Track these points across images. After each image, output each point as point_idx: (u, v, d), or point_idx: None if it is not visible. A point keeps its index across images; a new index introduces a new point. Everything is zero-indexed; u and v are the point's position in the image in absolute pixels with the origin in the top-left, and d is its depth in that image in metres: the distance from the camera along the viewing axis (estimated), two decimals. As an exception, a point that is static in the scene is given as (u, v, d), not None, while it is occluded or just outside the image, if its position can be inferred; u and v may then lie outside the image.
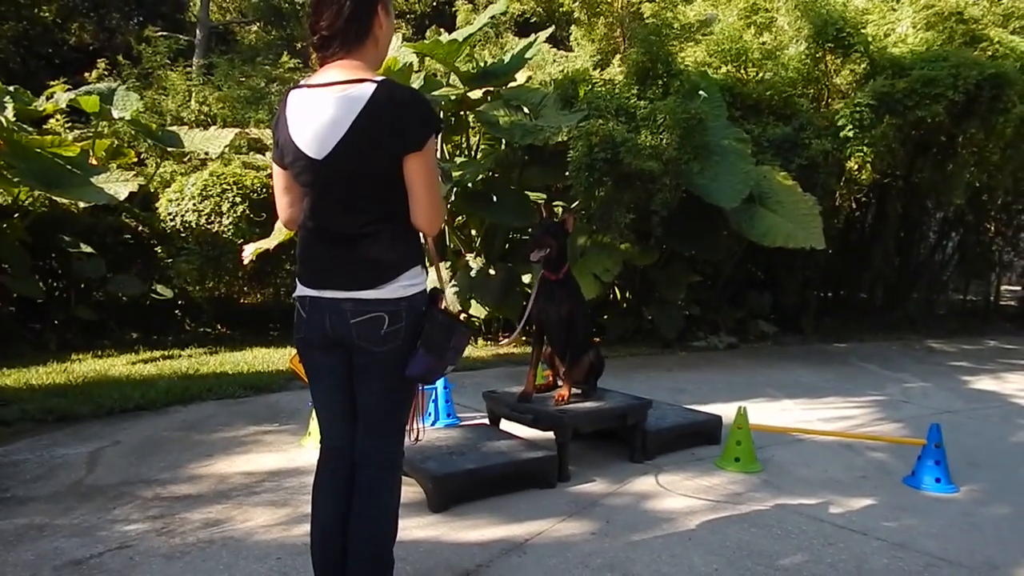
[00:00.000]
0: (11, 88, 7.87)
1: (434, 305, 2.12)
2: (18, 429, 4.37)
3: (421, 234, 2.12)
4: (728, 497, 3.47)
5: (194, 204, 7.77)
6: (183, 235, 7.85)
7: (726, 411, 4.52)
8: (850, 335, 9.41)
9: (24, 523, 3.06)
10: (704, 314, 8.65)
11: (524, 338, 8.17)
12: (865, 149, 7.68)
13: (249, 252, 7.12)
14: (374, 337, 2.04)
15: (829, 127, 7.97)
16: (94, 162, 7.62)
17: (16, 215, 7.45)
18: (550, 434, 3.83)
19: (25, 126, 7.38)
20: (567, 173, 6.64)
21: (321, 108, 2.00)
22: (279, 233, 7.32)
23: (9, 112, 7.13)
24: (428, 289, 2.14)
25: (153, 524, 3.04)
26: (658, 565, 2.75)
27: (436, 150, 2.08)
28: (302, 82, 2.10)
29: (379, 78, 1.99)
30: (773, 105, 8.51)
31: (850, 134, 7.71)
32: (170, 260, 8.06)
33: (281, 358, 6.67)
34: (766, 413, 4.99)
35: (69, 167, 7.00)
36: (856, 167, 7.85)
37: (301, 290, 2.13)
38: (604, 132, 6.38)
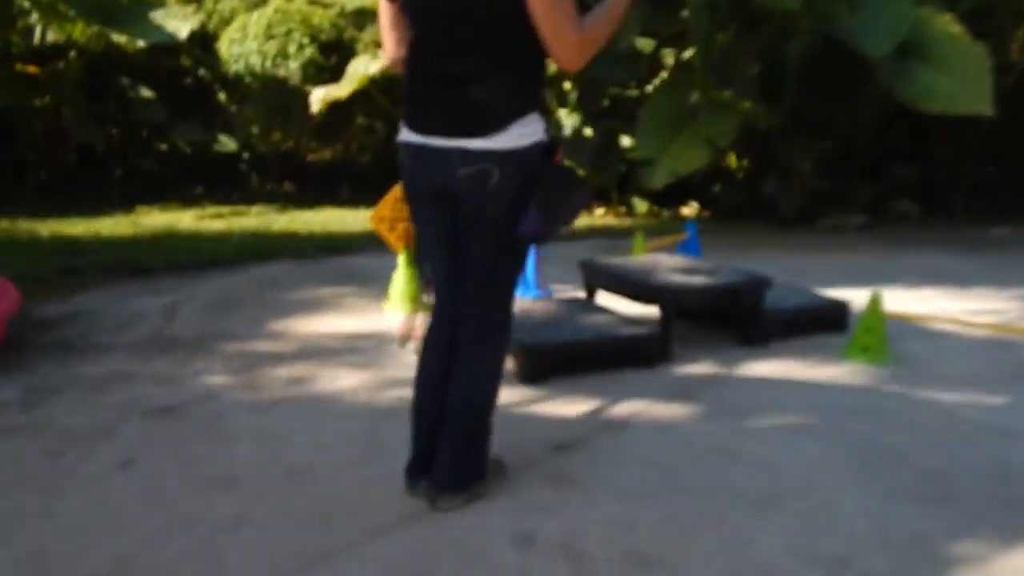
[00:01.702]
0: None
1: (550, 158, 2.12)
2: (91, 280, 4.76)
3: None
4: (852, 389, 3.49)
5: (258, 45, 7.87)
6: (246, 80, 8.01)
7: (855, 297, 4.46)
8: (1010, 218, 8.92)
9: (109, 370, 3.40)
10: (834, 189, 8.34)
11: (624, 207, 8.16)
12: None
13: (317, 99, 7.22)
14: (482, 191, 2.08)
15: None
16: (151, -5, 7.75)
17: (72, 54, 7.73)
18: (652, 310, 3.90)
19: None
20: (683, 14, 6.34)
21: None
22: (352, 79, 7.37)
23: (60, -64, 7.23)
24: (545, 139, 2.14)
25: (236, 378, 3.31)
26: (769, 452, 2.82)
27: None
28: None
29: None
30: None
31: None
32: (233, 107, 8.29)
33: (355, 220, 6.89)
34: (903, 301, 4.88)
35: (126, 1, 7.15)
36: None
37: (405, 135, 2.18)
38: (732, -37, 6.01)
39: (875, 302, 3.85)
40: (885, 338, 3.86)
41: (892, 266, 6.12)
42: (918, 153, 9.05)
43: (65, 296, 4.37)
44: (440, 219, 2.21)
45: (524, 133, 2.07)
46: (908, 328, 4.36)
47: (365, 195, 8.55)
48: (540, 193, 2.08)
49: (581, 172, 7.58)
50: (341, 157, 9.60)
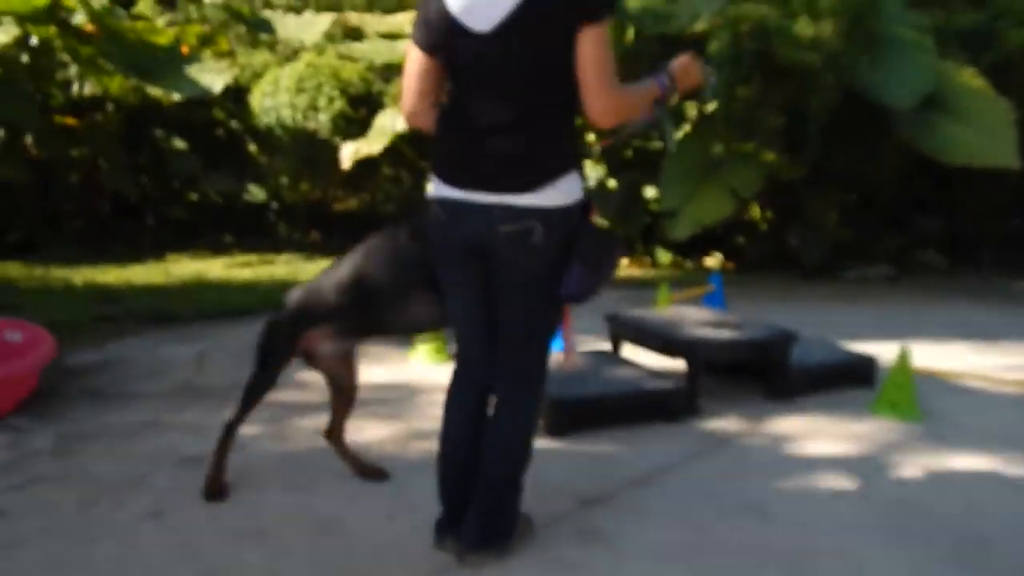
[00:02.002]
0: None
1: (587, 215, 2.13)
2: (123, 327, 4.84)
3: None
4: (882, 446, 3.45)
5: (289, 98, 8.06)
6: (277, 132, 8.20)
7: (881, 351, 4.43)
8: (1039, 272, 8.85)
9: (141, 419, 3.45)
10: (858, 240, 8.33)
11: (648, 258, 8.19)
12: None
13: (348, 155, 7.38)
14: (524, 249, 2.07)
15: (1034, 15, 7.31)
16: (185, 50, 8.00)
17: (110, 106, 7.97)
18: (678, 363, 3.91)
19: (119, 10, 7.79)
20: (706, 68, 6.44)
21: None
22: (382, 135, 7.53)
23: (102, -5, 7.51)
24: (583, 197, 2.15)
25: (265, 428, 3.34)
26: (799, 511, 2.80)
27: (608, 35, 2.03)
28: None
29: None
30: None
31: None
32: (264, 159, 8.47)
33: (380, 269, 6.98)
34: (931, 356, 4.84)
35: (162, 56, 7.37)
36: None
37: (440, 190, 2.15)
38: (754, 19, 6.12)
39: (904, 358, 3.83)
40: (914, 394, 3.83)
41: (919, 319, 6.08)
42: (944, 204, 9.04)
43: (98, 344, 4.45)
44: (473, 277, 2.21)
45: (568, 190, 2.08)
46: (937, 384, 4.31)
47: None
48: (581, 251, 2.08)
49: (606, 222, 7.65)
50: (367, 207, 9.74)
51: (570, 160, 2.10)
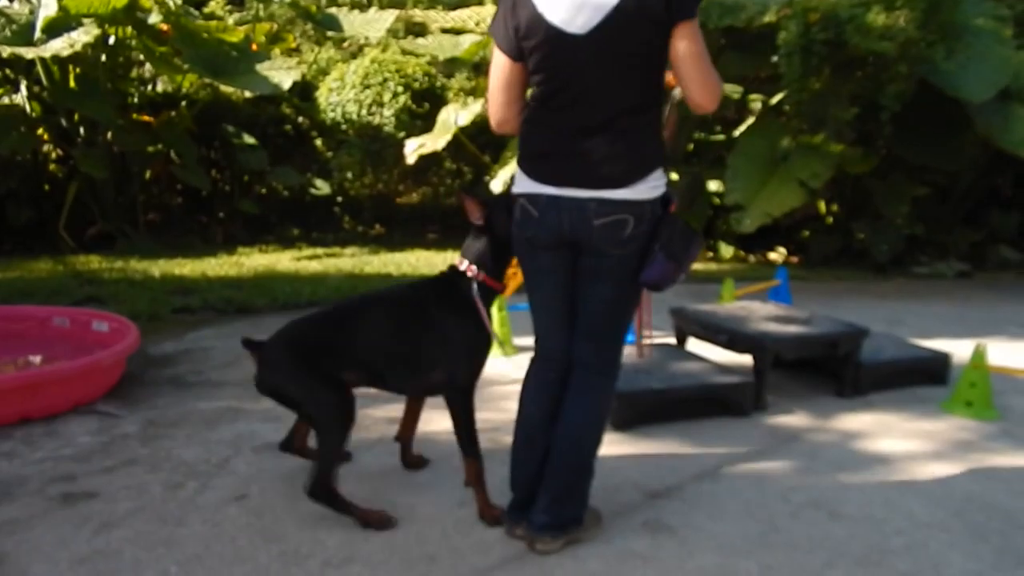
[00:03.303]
0: (175, -32, 8.55)
1: (669, 207, 2.20)
2: (202, 317, 5.04)
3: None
4: (956, 444, 3.40)
5: (355, 94, 8.22)
6: (343, 127, 8.37)
7: (954, 348, 4.35)
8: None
9: (221, 406, 3.59)
10: (930, 235, 8.12)
11: (710, 254, 8.12)
12: None
13: (412, 151, 7.51)
14: (615, 240, 2.15)
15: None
16: (255, 48, 8.22)
17: (183, 103, 8.24)
18: (744, 358, 3.90)
19: (192, 10, 8.05)
20: (774, 59, 6.36)
21: None
22: (444, 131, 7.63)
23: (177, -5, 7.77)
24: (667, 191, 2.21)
25: (338, 417, 3.45)
26: (871, 509, 2.78)
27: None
28: None
29: None
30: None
31: None
32: (330, 153, 8.65)
33: (443, 261, 7.08)
34: (1007, 353, 4.72)
35: (235, 54, 7.60)
36: None
37: (532, 186, 2.23)
38: (825, 8, 6.01)
39: (979, 355, 3.75)
40: (990, 392, 3.75)
41: (993, 316, 5.91)
42: (1020, 199, 8.74)
43: (178, 334, 4.64)
44: (560, 268, 2.28)
45: (657, 184, 2.15)
46: (1012, 382, 4.21)
47: (451, 237, 8.80)
48: (666, 241, 2.15)
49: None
50: (429, 200, 9.87)
51: (659, 155, 2.17)
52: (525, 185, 2.25)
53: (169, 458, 3.05)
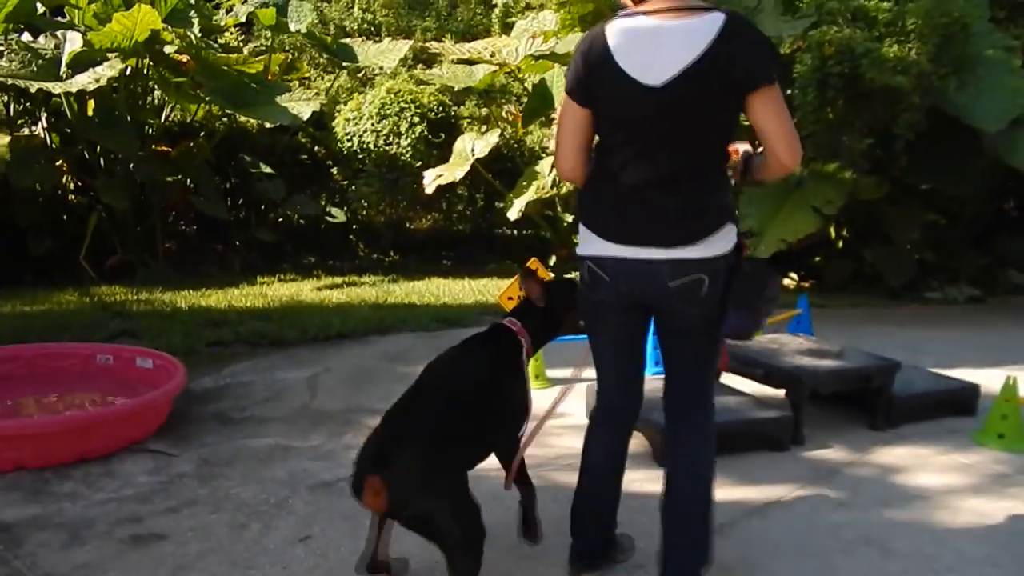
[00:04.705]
0: (192, 0, 8.66)
1: (739, 254, 2.18)
2: (235, 351, 5.09)
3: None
4: (993, 478, 3.47)
5: (372, 124, 8.32)
6: (360, 156, 8.47)
7: (978, 376, 4.44)
8: None
9: (270, 443, 3.65)
10: (940, 260, 8.23)
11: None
12: None
13: (431, 181, 7.62)
14: (693, 300, 2.12)
15: None
16: (270, 77, 8.32)
17: (202, 134, 8.34)
18: (779, 392, 3.97)
19: (211, 42, 8.16)
20: (790, 92, 6.48)
21: (660, 35, 2.02)
22: (462, 161, 7.74)
23: (195, 27, 7.88)
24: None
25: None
26: (920, 545, 2.85)
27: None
28: (622, 13, 2.12)
29: (722, 8, 2.03)
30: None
31: None
32: (346, 182, 8.75)
33: (463, 290, 7.16)
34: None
35: (255, 86, 7.70)
36: None
37: (600, 247, 2.18)
38: (840, 41, 6.14)
39: (1010, 388, 3.83)
40: (1021, 425, 3.83)
41: (1007, 342, 6.01)
42: (1028, 223, 8.87)
43: (215, 368, 4.69)
44: (631, 328, 2.31)
45: (729, 238, 2.14)
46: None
47: (465, 264, 8.89)
48: (737, 290, 2.12)
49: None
50: (441, 226, 9.97)
51: (728, 207, 2.17)
52: (592, 247, 2.21)
53: (229, 498, 3.10)
